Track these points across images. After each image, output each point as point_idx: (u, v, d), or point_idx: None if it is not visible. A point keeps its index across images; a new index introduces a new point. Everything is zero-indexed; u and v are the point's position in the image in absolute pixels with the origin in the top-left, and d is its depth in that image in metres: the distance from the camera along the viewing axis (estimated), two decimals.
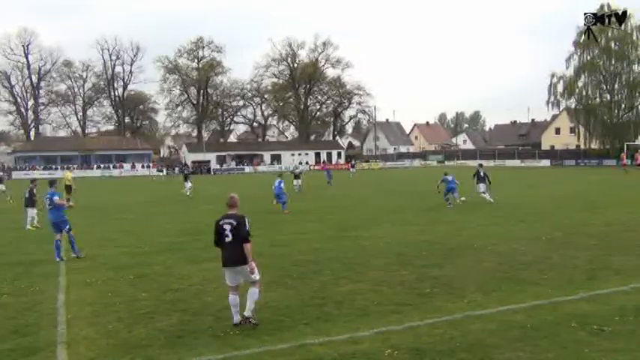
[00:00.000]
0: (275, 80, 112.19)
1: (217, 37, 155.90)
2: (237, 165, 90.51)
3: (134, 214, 23.35)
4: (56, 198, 12.91)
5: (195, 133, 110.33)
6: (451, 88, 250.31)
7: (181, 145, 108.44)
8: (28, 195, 18.74)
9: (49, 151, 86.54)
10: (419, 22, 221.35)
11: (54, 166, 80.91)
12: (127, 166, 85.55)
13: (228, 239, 7.40)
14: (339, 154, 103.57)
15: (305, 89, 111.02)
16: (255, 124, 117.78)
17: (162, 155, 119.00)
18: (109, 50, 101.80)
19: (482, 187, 23.92)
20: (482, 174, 23.94)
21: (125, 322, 7.73)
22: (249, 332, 7.16)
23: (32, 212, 18.61)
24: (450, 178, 23.03)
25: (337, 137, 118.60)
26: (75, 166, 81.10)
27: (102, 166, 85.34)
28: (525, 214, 19.63)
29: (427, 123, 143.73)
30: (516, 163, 79.98)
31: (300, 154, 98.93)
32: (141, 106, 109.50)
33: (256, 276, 7.49)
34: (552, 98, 72.58)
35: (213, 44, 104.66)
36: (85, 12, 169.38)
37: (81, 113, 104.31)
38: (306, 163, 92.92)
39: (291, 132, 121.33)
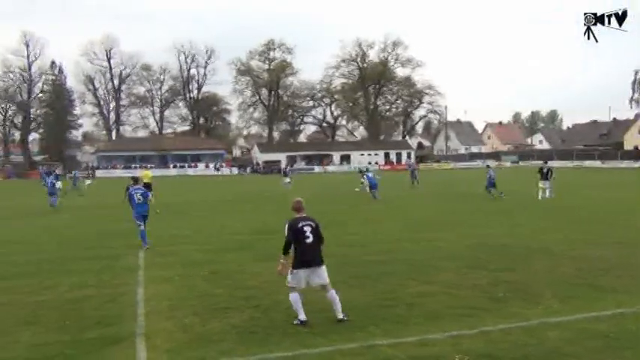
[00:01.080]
0: (344, 80, 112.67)
1: (288, 38, 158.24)
2: (306, 165, 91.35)
3: (207, 212, 24.05)
4: (149, 194, 14.64)
5: (266, 134, 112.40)
6: (526, 86, 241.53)
7: (253, 145, 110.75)
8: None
9: (128, 150, 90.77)
10: (492, 18, 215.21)
11: (133, 165, 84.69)
12: (201, 165, 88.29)
13: (309, 240, 7.57)
14: (408, 155, 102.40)
15: (374, 89, 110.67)
16: (324, 124, 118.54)
17: (234, 155, 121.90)
18: (184, 53, 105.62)
19: (546, 183, 25.94)
20: (545, 171, 26.05)
21: (200, 317, 7.98)
22: (319, 331, 7.23)
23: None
24: (491, 173, 27.14)
25: (407, 137, 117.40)
26: (152, 165, 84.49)
27: (177, 165, 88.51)
28: (605, 217, 18.73)
29: (500, 122, 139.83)
30: (596, 164, 76.23)
31: (369, 154, 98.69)
32: (214, 107, 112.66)
33: (327, 277, 7.68)
34: (636, 95, 68.85)
35: (284, 46, 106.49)
36: (162, 18, 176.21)
37: (158, 114, 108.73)
38: (376, 163, 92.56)
39: (360, 132, 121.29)
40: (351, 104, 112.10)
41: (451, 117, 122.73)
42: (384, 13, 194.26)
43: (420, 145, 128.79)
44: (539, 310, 7.99)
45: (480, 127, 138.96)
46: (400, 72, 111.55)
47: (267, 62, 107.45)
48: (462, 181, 43.96)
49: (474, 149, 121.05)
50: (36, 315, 8.17)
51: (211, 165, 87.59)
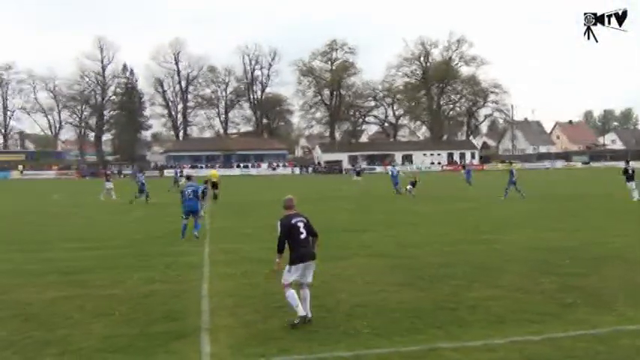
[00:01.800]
0: (407, 80, 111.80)
1: (350, 38, 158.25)
2: (367, 165, 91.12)
3: (268, 211, 24.37)
4: (200, 193, 15.68)
5: (327, 134, 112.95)
6: (598, 83, 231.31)
7: (315, 145, 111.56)
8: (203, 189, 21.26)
9: (195, 150, 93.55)
10: (559, 13, 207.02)
11: (199, 165, 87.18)
12: (264, 165, 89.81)
13: (303, 236, 7.70)
14: (472, 155, 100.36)
15: (438, 88, 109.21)
16: (386, 124, 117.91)
17: (296, 155, 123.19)
18: (249, 56, 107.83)
19: (632, 184, 25.09)
20: (630, 171, 25.29)
21: (261, 314, 8.09)
22: (381, 331, 7.17)
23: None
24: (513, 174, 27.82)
25: (471, 137, 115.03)
26: (218, 164, 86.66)
27: (241, 164, 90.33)
28: None
29: (570, 121, 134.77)
30: None
31: (431, 154, 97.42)
32: (277, 108, 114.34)
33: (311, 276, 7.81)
34: None
35: (347, 46, 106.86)
36: (227, 20, 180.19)
37: (223, 115, 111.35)
38: (438, 163, 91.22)
39: (422, 132, 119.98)
40: (413, 104, 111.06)
41: (518, 116, 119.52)
42: (448, 11, 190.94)
43: (484, 145, 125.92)
44: (611, 317, 7.61)
45: (548, 126, 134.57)
46: (464, 70, 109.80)
47: (329, 63, 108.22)
48: (526, 182, 42.52)
49: (543, 149, 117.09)
50: (107, 308, 8.52)
51: (275, 164, 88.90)
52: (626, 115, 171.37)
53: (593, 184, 38.64)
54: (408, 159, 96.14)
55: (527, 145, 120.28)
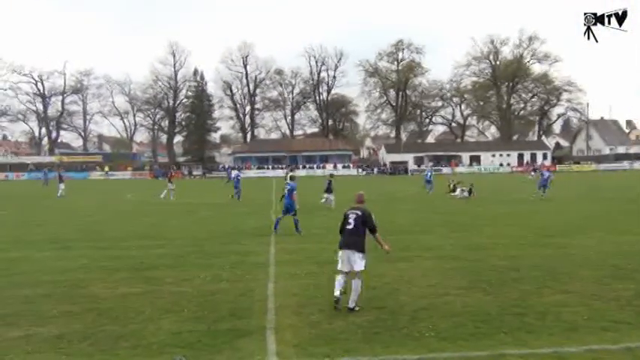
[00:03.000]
0: (475, 79, 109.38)
1: (417, 37, 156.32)
2: (434, 166, 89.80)
3: (335, 212, 24.45)
4: (294, 192, 16.87)
5: (393, 134, 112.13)
6: None
7: (380, 146, 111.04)
8: (327, 184, 26.31)
9: (262, 152, 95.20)
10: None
11: (266, 166, 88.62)
12: (329, 166, 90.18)
13: (350, 227, 8.56)
14: (544, 156, 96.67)
15: (508, 87, 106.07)
16: (453, 124, 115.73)
17: (361, 156, 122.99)
18: (315, 57, 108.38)
19: None
20: None
21: (326, 314, 8.14)
22: (445, 335, 7.06)
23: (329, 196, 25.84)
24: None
25: (543, 137, 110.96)
26: (283, 166, 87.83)
27: (307, 166, 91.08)
28: None
29: None
30: None
31: (500, 155, 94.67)
32: (343, 109, 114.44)
33: (361, 266, 8.39)
34: None
35: (413, 46, 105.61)
36: (294, 22, 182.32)
37: (289, 117, 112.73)
38: (507, 164, 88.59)
39: (491, 132, 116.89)
40: (481, 103, 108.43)
41: (594, 114, 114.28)
42: (518, 7, 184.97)
43: (557, 146, 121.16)
44: None
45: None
46: (536, 68, 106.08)
47: (395, 63, 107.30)
48: (601, 184, 40.60)
49: (620, 149, 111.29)
50: (176, 305, 8.82)
51: (339, 165, 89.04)
52: None
53: None
54: (475, 160, 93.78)
55: (603, 145, 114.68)
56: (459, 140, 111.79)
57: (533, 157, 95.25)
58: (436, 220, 19.87)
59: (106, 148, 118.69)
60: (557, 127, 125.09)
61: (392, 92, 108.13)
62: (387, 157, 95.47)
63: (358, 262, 8.38)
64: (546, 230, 16.70)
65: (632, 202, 25.19)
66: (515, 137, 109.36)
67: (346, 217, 8.69)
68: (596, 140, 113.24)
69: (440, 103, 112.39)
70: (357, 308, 8.27)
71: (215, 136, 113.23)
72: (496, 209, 23.54)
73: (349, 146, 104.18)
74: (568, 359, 6.20)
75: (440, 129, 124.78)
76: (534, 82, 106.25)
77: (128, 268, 11.81)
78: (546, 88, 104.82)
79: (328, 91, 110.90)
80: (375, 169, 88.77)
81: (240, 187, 32.33)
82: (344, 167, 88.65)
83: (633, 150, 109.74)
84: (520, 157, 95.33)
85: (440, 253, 13.00)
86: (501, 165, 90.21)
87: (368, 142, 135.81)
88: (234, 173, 33.82)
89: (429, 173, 37.82)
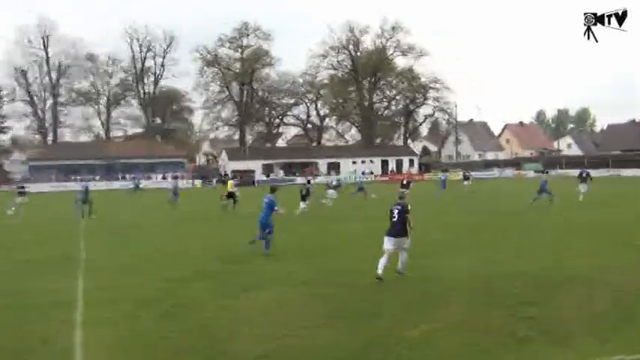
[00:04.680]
0: (333, 72, 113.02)
1: (265, 22, 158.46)
2: (286, 175, 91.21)
3: (152, 234, 23.82)
4: (276, 208, 17.48)
5: (237, 137, 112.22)
6: (552, 79, 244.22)
7: (221, 152, 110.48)
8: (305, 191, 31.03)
9: (68, 159, 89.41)
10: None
11: (73, 177, 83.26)
12: (157, 177, 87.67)
13: (395, 219, 12.91)
14: (411, 162, 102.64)
15: (370, 83, 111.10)
16: (308, 125, 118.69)
17: (197, 163, 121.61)
18: (138, 40, 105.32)
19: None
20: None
21: None
22: None
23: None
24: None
25: (409, 141, 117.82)
26: (97, 176, 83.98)
27: (127, 176, 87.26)
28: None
29: (521, 123, 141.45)
30: (638, 173, 76.28)
31: (362, 162, 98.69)
32: (174, 106, 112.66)
33: (409, 246, 13.06)
34: None
35: (260, 31, 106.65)
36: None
37: (105, 114, 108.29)
38: (370, 172, 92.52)
39: (352, 135, 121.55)
40: (340, 101, 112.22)
41: (463, 116, 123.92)
42: None
43: (425, 151, 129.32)
44: (570, 352, 7.96)
45: (497, 128, 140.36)
46: (401, 62, 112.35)
47: (239, 50, 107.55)
48: (468, 194, 44.03)
49: (490, 155, 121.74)
50: None
51: (169, 176, 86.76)
52: (582, 115, 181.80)
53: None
54: (334, 167, 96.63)
55: (472, 151, 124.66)
56: (314, 144, 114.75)
57: (399, 163, 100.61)
58: (292, 243, 20.00)
59: None
60: (424, 130, 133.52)
61: (235, 86, 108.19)
62: (229, 165, 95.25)
63: (406, 242, 12.93)
64: (413, 250, 17.50)
65: (505, 216, 27.49)
66: (378, 141, 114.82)
67: (391, 211, 13.02)
68: (465, 145, 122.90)
69: (292, 100, 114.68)
70: (402, 272, 13.02)
71: (4, 139, 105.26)
72: (352, 227, 24.34)
73: (182, 152, 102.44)
74: None
75: (293, 131, 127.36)
76: (399, 78, 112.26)
77: None
78: (412, 84, 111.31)
79: (155, 83, 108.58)
80: (215, 180, 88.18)
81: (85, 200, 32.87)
82: (174, 178, 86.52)
83: (503, 156, 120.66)
84: (384, 163, 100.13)
85: (291, 281, 13.14)
86: (363, 173, 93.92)
87: (206, 147, 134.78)
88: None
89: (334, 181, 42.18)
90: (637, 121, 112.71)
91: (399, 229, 12.77)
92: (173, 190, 41.65)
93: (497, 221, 25.02)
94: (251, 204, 28.50)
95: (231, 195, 34.60)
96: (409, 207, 12.99)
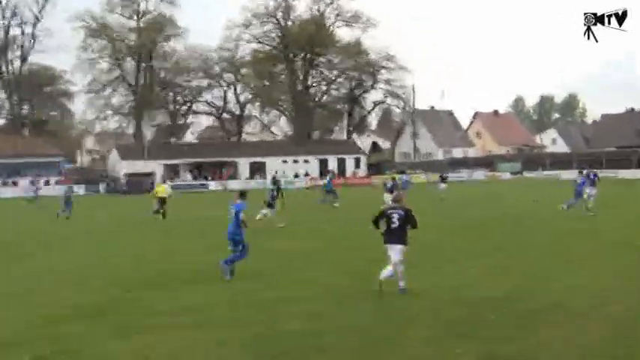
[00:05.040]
0: (257, 47, 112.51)
1: None
2: (195, 179, 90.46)
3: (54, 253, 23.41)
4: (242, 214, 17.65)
5: (131, 130, 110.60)
6: (532, 60, 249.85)
7: (110, 149, 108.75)
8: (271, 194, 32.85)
9: None
10: None
11: None
12: (23, 181, 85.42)
13: (395, 225, 14.35)
14: (356, 161, 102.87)
15: (304, 60, 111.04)
16: (225, 114, 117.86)
17: (79, 164, 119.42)
18: (0, 4, 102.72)
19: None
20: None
21: None
22: None
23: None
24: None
25: (354, 135, 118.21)
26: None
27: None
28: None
29: (496, 112, 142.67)
30: (637, 173, 77.88)
31: (295, 162, 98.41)
32: (48, 88, 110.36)
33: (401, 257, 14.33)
34: None
35: None
36: None
37: None
38: (305, 174, 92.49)
39: (281, 127, 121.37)
40: (267, 83, 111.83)
41: (422, 103, 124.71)
42: None
43: (374, 147, 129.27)
44: None
45: (465, 119, 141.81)
46: (344, 34, 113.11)
47: (134, 17, 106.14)
48: (426, 202, 44.76)
49: (457, 153, 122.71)
50: None
51: (42, 181, 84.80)
52: (569, 104, 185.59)
53: (526, 202, 41.38)
54: (259, 169, 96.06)
55: (435, 148, 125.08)
56: (233, 139, 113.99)
57: (342, 162, 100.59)
58: (200, 266, 19.93)
59: None
60: (373, 122, 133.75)
61: (130, 63, 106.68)
62: (121, 166, 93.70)
63: (401, 253, 14.22)
64: (362, 271, 17.64)
65: (473, 228, 28.07)
66: (315, 134, 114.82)
67: (389, 216, 14.47)
68: (426, 140, 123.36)
69: (205, 83, 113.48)
70: (405, 288, 14.28)
71: None
72: (285, 245, 24.46)
73: (58, 149, 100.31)
74: None
75: (205, 122, 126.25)
76: (341, 54, 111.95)
77: None
78: (358, 62, 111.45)
79: (23, 59, 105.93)
80: (102, 186, 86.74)
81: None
82: (47, 184, 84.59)
83: (473, 153, 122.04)
84: (323, 163, 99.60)
85: (208, 316, 13.09)
86: (297, 176, 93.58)
87: (90, 143, 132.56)
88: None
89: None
90: (634, 110, 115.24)
91: (398, 236, 14.31)
92: (65, 198, 42.03)
93: (463, 234, 25.54)
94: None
95: (163, 202, 36.62)
96: (412, 211, 14.58)
